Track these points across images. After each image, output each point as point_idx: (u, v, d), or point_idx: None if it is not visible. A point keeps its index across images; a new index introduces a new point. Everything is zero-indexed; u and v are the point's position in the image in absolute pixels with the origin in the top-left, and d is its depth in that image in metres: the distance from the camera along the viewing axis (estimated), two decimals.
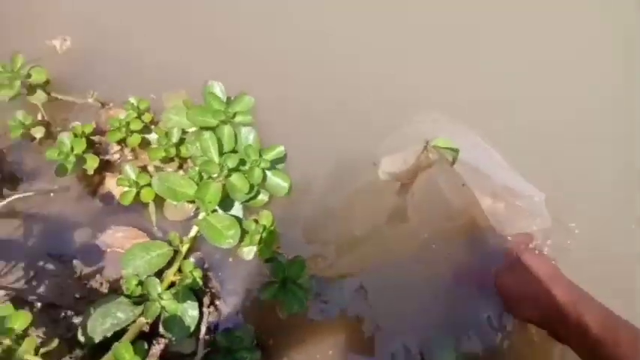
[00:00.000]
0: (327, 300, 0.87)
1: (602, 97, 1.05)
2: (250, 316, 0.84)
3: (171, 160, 0.95)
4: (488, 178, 0.77)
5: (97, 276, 0.82)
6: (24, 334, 0.63)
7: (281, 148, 0.87)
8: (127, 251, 0.79)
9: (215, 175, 0.83)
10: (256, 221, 0.85)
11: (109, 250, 0.86)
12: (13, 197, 0.83)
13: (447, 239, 0.88)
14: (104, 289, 0.81)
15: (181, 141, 0.94)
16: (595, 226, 0.93)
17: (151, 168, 0.96)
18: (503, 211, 0.82)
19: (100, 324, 0.73)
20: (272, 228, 0.85)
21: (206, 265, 0.88)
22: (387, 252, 0.88)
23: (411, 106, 0.95)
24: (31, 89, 0.91)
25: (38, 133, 0.89)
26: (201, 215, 0.85)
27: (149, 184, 0.87)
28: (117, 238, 0.87)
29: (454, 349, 0.83)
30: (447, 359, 0.81)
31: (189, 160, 0.96)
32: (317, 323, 0.85)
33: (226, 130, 0.88)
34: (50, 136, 0.91)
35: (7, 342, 0.61)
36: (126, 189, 0.87)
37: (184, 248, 0.84)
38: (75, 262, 0.82)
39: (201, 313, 0.80)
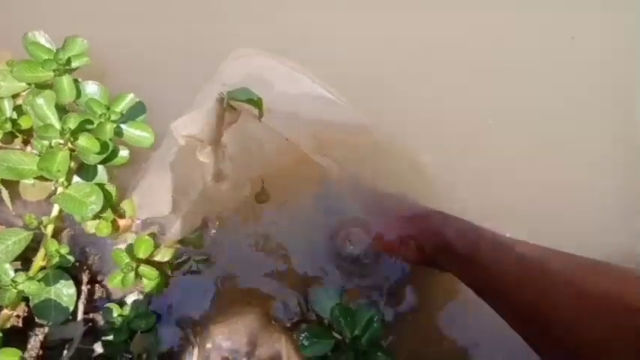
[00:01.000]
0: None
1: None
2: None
3: (14, 136, 0.84)
4: (314, 118, 0.69)
5: None
6: None
7: (131, 96, 0.79)
8: None
9: (60, 142, 0.75)
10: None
11: None
12: None
13: (281, 186, 0.83)
14: None
15: (19, 111, 0.82)
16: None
17: None
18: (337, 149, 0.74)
19: None
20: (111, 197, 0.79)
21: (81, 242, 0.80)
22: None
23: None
24: None
25: None
26: (60, 189, 0.76)
27: None
28: None
29: (339, 299, 0.79)
30: (329, 309, 0.76)
31: (34, 133, 0.85)
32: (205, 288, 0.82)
33: (65, 82, 0.79)
34: None
35: None
36: None
37: (49, 229, 0.75)
38: None
39: (79, 292, 0.73)
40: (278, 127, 0.61)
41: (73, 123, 0.71)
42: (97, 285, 0.78)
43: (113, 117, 0.76)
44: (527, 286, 0.59)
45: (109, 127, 0.75)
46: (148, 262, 0.76)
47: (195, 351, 0.75)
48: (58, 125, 0.72)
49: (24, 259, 0.75)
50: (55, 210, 0.77)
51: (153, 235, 0.78)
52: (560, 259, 0.60)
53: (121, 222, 0.80)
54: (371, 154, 0.75)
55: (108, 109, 0.76)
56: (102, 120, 0.75)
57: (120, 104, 0.78)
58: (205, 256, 0.83)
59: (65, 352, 0.70)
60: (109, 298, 0.78)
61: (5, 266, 0.68)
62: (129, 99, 0.79)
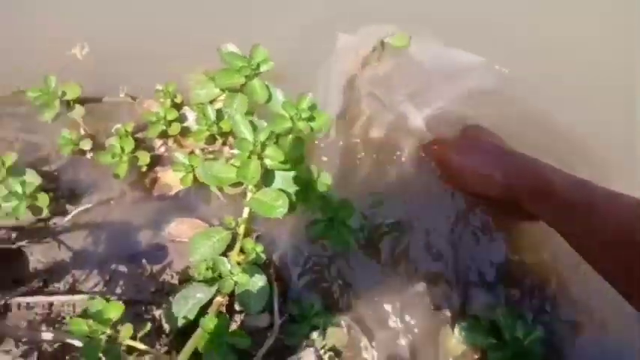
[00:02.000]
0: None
1: None
2: (316, 284, 0.86)
3: (214, 138, 0.95)
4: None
5: (167, 270, 0.86)
6: (120, 323, 0.69)
7: (310, 96, 0.85)
8: (191, 241, 0.83)
9: (251, 152, 0.82)
10: None
11: (176, 240, 0.89)
12: (76, 211, 0.87)
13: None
14: (175, 281, 0.85)
15: (220, 116, 0.93)
16: None
17: (197, 151, 0.96)
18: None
19: (183, 305, 0.77)
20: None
21: (266, 242, 0.88)
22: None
23: None
24: (69, 106, 0.93)
25: (86, 145, 0.92)
26: (249, 195, 0.84)
27: None
28: (181, 228, 0.90)
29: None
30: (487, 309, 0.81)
31: (230, 137, 0.95)
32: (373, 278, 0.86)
33: (257, 85, 0.89)
34: (98, 147, 0.94)
35: (107, 331, 0.67)
36: (182, 174, 0.90)
37: (241, 229, 0.84)
38: (144, 260, 0.86)
39: (271, 285, 0.81)
40: None
41: (264, 135, 0.78)
42: (278, 282, 0.85)
43: (304, 115, 0.83)
44: None
45: (303, 125, 0.83)
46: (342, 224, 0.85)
47: (364, 341, 0.80)
48: (250, 138, 0.79)
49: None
50: (246, 212, 0.86)
51: None
52: None
53: None
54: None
55: (297, 109, 0.83)
56: (296, 119, 0.83)
57: (304, 103, 0.85)
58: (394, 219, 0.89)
59: (267, 339, 0.78)
60: (288, 294, 0.86)
61: (222, 259, 0.80)
62: (309, 99, 0.85)
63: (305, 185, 0.84)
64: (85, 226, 0.88)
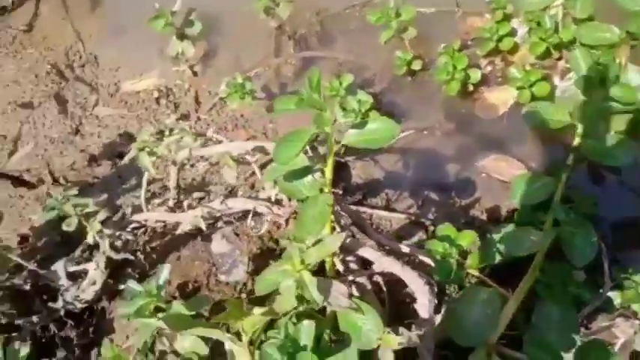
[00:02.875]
0: None
1: None
2: None
3: (548, 52, 0.85)
4: None
5: (476, 204, 0.83)
6: (467, 252, 0.72)
7: None
8: (513, 183, 0.79)
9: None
10: None
11: (490, 175, 0.85)
12: (399, 136, 0.89)
13: None
14: (484, 217, 0.82)
15: (556, 27, 0.83)
16: None
17: (527, 67, 0.87)
18: None
19: (516, 245, 0.74)
20: None
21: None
22: None
23: None
24: (403, 28, 0.93)
25: (417, 65, 0.92)
26: (577, 140, 0.74)
27: (541, 79, 0.83)
28: (498, 165, 0.85)
29: None
30: None
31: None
32: None
33: None
34: (424, 68, 0.93)
35: (456, 257, 0.71)
36: (518, 91, 0.85)
37: (563, 177, 0.75)
38: (453, 192, 0.85)
39: (599, 243, 0.72)
40: None
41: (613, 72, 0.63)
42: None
43: None
44: None
45: None
46: None
47: None
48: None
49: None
50: (571, 158, 0.76)
51: None
52: None
53: None
54: None
55: None
56: None
57: None
58: None
59: (595, 300, 0.72)
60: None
61: (560, 207, 0.74)
62: None
63: None
64: (399, 150, 0.91)
